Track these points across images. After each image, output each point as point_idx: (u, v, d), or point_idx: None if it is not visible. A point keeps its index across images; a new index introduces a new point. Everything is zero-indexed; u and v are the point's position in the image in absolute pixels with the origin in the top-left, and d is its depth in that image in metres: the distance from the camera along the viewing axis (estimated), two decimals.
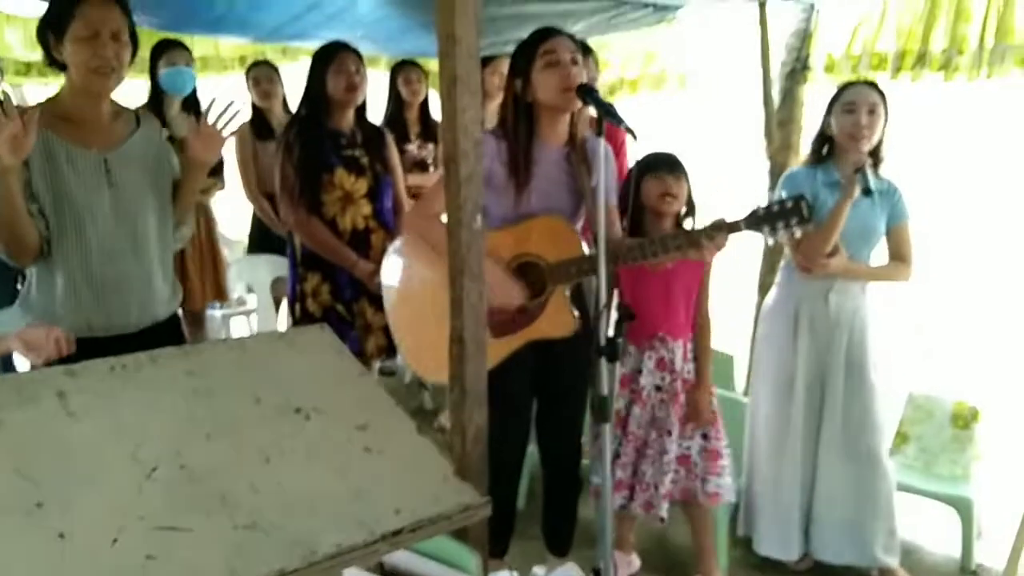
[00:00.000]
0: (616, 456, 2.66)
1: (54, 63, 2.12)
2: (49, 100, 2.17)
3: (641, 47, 4.94)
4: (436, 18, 1.94)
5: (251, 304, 4.86)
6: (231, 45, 5.46)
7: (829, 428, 2.78)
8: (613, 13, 4.11)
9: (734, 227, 2.33)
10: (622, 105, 5.05)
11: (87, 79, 2.08)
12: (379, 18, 4.10)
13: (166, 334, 2.25)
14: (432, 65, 5.16)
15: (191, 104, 3.75)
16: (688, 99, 4.95)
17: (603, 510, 2.34)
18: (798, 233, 2.62)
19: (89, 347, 2.00)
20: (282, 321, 4.57)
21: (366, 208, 3.10)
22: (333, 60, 3.05)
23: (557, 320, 2.43)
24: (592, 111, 2.30)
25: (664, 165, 2.65)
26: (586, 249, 2.38)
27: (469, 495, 1.06)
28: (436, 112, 4.51)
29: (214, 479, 1.01)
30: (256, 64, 4.43)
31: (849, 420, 2.76)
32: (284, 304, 4.45)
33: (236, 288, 5.09)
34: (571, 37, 2.46)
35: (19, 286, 3.97)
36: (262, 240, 4.30)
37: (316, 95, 3.07)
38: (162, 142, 2.32)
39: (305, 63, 5.35)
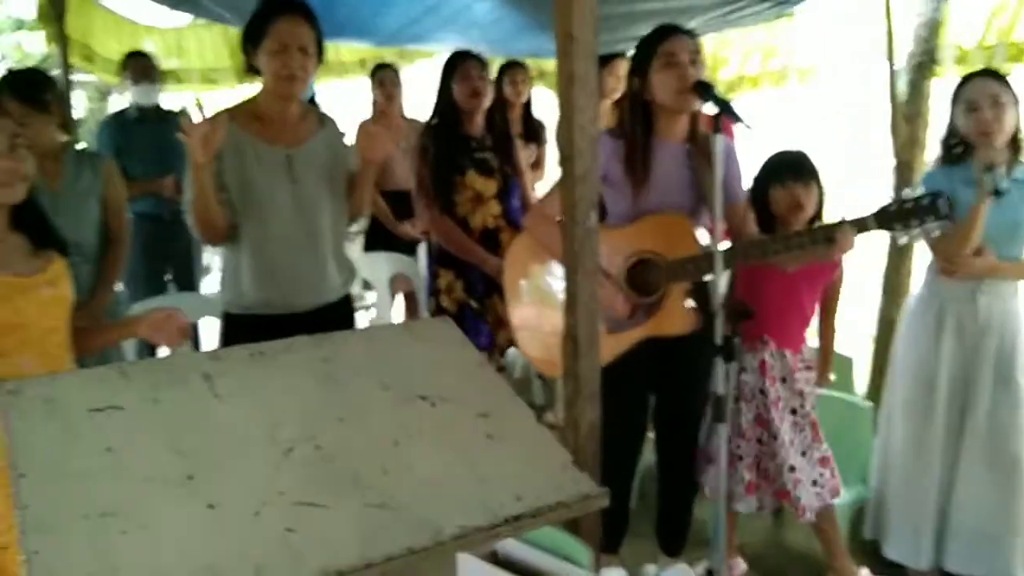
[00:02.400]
0: (739, 458, 2.61)
1: (251, 70, 2.38)
2: (245, 101, 2.44)
3: (761, 43, 4.84)
4: (553, 18, 1.98)
5: (370, 299, 5.02)
6: (352, 49, 5.66)
7: (972, 434, 2.62)
8: (730, 8, 4.05)
9: (862, 225, 2.26)
10: (742, 102, 4.97)
11: (276, 85, 2.33)
12: (494, 19, 4.17)
13: (337, 315, 2.50)
14: (546, 65, 5.21)
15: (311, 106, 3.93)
16: (810, 95, 4.82)
17: (717, 511, 2.32)
18: (936, 232, 2.51)
19: (268, 323, 2.29)
20: (398, 316, 4.72)
21: (495, 208, 3.24)
22: (457, 69, 3.22)
23: (674, 318, 2.43)
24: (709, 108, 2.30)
25: (791, 171, 2.55)
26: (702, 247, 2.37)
27: (588, 485, 1.09)
28: (538, 113, 4.56)
29: (346, 460, 1.07)
30: (381, 67, 4.59)
31: (995, 427, 2.61)
32: (399, 298, 4.60)
33: (355, 284, 5.26)
34: (691, 35, 2.44)
35: (167, 277, 4.29)
36: (378, 237, 4.44)
37: (445, 103, 3.24)
38: (341, 143, 2.54)
39: (421, 66, 5.51)
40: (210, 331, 4.08)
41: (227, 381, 1.15)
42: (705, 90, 2.30)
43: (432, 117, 3.33)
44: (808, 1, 3.92)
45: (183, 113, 2.13)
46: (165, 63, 5.16)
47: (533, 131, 4.43)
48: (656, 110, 2.44)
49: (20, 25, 8.47)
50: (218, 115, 2.21)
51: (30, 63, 8.63)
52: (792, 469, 2.54)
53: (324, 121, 2.52)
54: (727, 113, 2.23)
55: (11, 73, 3.09)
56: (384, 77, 4.48)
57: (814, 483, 2.56)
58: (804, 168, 2.56)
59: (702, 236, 2.43)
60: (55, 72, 4.14)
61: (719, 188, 2.22)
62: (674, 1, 3.90)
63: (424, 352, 1.29)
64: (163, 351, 2.51)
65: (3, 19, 8.66)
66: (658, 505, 2.80)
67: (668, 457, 2.71)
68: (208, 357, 1.20)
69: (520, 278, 2.76)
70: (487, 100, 3.23)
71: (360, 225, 2.66)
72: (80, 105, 8.25)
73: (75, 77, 5.02)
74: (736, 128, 3.10)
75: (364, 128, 2.41)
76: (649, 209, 2.44)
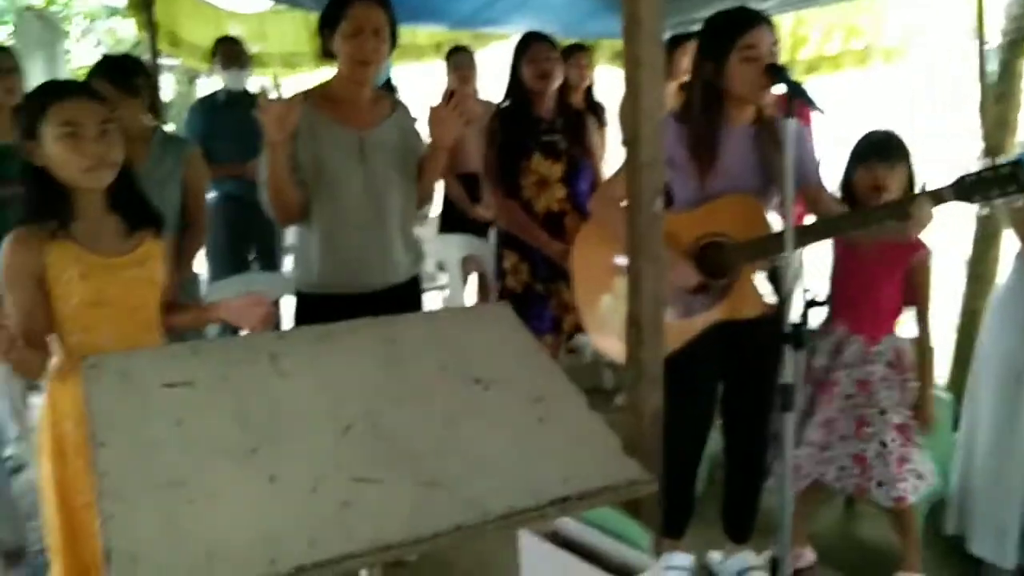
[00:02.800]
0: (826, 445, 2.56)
1: (327, 54, 2.43)
2: (320, 84, 2.49)
3: (842, 21, 4.69)
4: (622, 1, 1.96)
5: (442, 280, 5.10)
6: (427, 32, 5.70)
7: None
8: None
9: (938, 196, 2.17)
10: (822, 83, 4.83)
11: (351, 69, 2.38)
12: (566, 2, 4.17)
13: (404, 295, 2.53)
14: (620, 46, 5.16)
15: (388, 90, 3.98)
16: (895, 75, 4.64)
17: (783, 500, 2.29)
18: (1019, 203, 2.39)
19: (337, 302, 2.35)
20: (470, 297, 4.77)
21: (560, 191, 3.24)
22: (526, 51, 3.21)
23: (745, 300, 2.39)
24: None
25: (876, 152, 2.45)
26: (773, 227, 2.32)
27: (635, 470, 1.10)
28: (601, 95, 4.52)
29: (402, 438, 1.11)
30: (456, 50, 4.61)
31: None
32: (472, 279, 4.65)
33: (428, 265, 5.35)
34: (770, 24, 2.37)
35: (250, 256, 4.41)
36: (452, 219, 4.49)
37: (514, 85, 3.24)
38: (412, 127, 2.58)
39: (496, 48, 5.53)
40: (290, 309, 4.20)
41: (292, 360, 1.21)
42: (777, 73, 2.25)
43: (503, 100, 3.34)
44: None
45: (260, 93, 2.19)
46: (248, 48, 5.32)
47: (595, 114, 4.40)
48: (727, 97, 2.39)
49: (113, 12, 8.82)
50: (294, 96, 2.26)
51: (122, 49, 8.99)
52: (861, 460, 2.49)
53: (396, 105, 2.57)
54: (800, 97, 2.17)
55: (104, 58, 3.22)
56: (459, 60, 4.50)
57: (881, 484, 2.49)
58: (890, 148, 2.45)
59: (773, 218, 2.39)
60: (144, 57, 4.28)
61: (790, 172, 2.18)
62: None
63: (482, 336, 1.32)
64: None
65: (97, 6, 9.03)
66: (724, 492, 2.78)
67: (736, 444, 2.68)
68: (275, 337, 1.26)
69: (588, 262, 2.75)
70: (557, 81, 3.21)
71: (429, 208, 2.69)
72: (168, 89, 8.55)
73: (163, 62, 5.22)
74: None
75: (434, 112, 2.44)
76: (716, 193, 2.40)
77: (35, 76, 5.03)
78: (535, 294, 3.28)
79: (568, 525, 1.84)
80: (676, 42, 4.28)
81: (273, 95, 2.16)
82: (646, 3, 1.93)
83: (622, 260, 2.54)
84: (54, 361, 1.90)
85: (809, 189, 2.42)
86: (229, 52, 4.27)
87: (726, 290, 2.40)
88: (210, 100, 4.38)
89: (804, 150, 2.41)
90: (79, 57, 8.62)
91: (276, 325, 4.10)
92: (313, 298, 2.49)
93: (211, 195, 4.35)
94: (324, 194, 2.39)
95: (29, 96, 1.94)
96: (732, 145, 2.39)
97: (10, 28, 8.45)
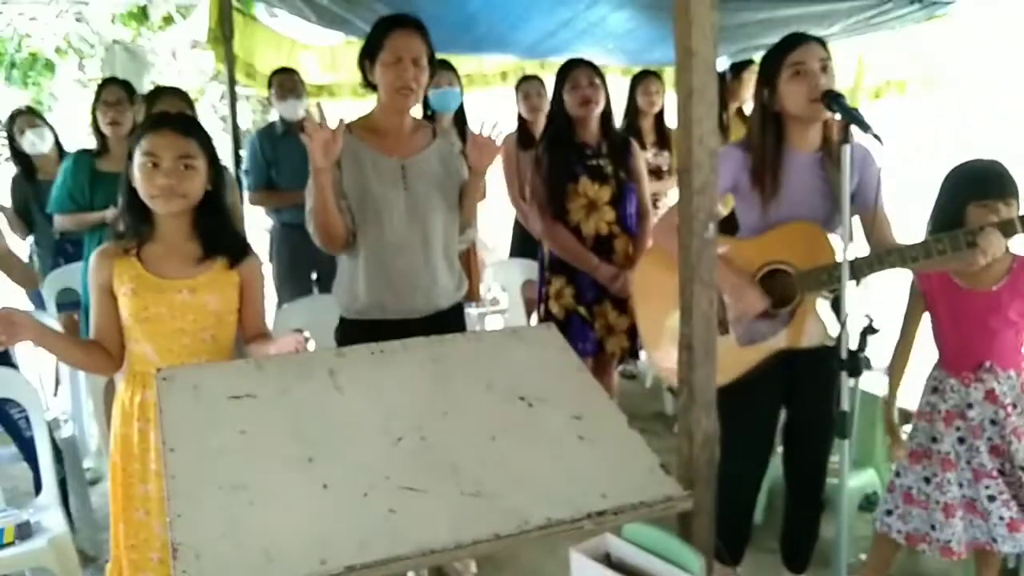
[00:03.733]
0: (991, 498, 2.38)
1: (369, 85, 2.50)
2: (363, 116, 2.55)
3: (908, 46, 4.63)
4: (674, 32, 2.01)
5: (504, 304, 5.16)
6: (494, 62, 5.81)
7: None
8: (875, 12, 3.91)
9: (1009, 227, 2.14)
10: (888, 108, 4.77)
11: (391, 98, 2.43)
12: (629, 30, 4.21)
13: (449, 321, 2.54)
14: None
15: (459, 119, 4.08)
16: (964, 100, 4.55)
17: (839, 531, 2.27)
18: None
19: (383, 327, 2.38)
20: (531, 320, 4.82)
21: (609, 214, 3.23)
22: (567, 78, 3.21)
23: (806, 329, 2.37)
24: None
25: (994, 187, 2.31)
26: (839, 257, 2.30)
27: (672, 488, 1.13)
28: (671, 121, 4.54)
29: (447, 451, 1.17)
30: (527, 78, 4.66)
31: None
32: (533, 304, 4.70)
33: (492, 289, 5.43)
34: (821, 42, 2.39)
35: (313, 278, 4.53)
36: (522, 244, 4.54)
37: (557, 111, 3.26)
38: (454, 154, 2.62)
39: None
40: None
41: (349, 376, 1.28)
42: (833, 100, 2.26)
43: (547, 124, 3.37)
44: (960, 1, 3.73)
45: (307, 118, 2.27)
46: (320, 78, 5.50)
47: (666, 139, 4.42)
48: (786, 120, 2.38)
49: (195, 45, 9.21)
50: (339, 123, 2.30)
51: (203, 80, 9.39)
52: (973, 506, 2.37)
53: (437, 132, 2.61)
54: (856, 123, 2.18)
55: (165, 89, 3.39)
56: (529, 89, 4.55)
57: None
58: (1004, 182, 2.31)
59: (839, 245, 2.37)
60: (223, 87, 4.48)
61: (847, 198, 2.18)
62: (813, 6, 3.82)
63: (527, 356, 1.37)
64: None
65: (180, 40, 9.45)
66: (783, 520, 2.75)
67: (796, 473, 2.65)
68: (333, 354, 1.33)
69: (649, 288, 2.76)
70: (599, 107, 3.20)
71: (472, 233, 2.72)
72: (245, 118, 8.88)
73: (241, 91, 5.44)
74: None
75: (474, 138, 2.47)
76: (780, 220, 2.39)
77: None
78: (579, 318, 3.28)
79: (620, 547, 1.86)
80: (737, 69, 4.31)
81: (317, 120, 2.21)
82: (699, 35, 1.96)
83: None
84: (125, 365, 2.05)
85: (867, 216, 2.39)
86: (284, 83, 4.36)
87: (789, 318, 2.39)
88: (269, 129, 4.50)
89: (868, 175, 2.39)
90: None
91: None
92: (358, 324, 2.52)
93: (271, 223, 4.53)
94: (369, 221, 2.43)
95: (141, 124, 2.10)
96: (796, 171, 2.38)
97: (99, 61, 8.93)
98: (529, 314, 4.54)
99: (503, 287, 5.02)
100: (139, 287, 1.97)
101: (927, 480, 2.42)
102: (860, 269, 2.27)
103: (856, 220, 2.36)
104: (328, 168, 2.27)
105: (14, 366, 2.92)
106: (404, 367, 1.32)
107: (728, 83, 4.16)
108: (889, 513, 2.51)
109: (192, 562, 0.97)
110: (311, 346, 2.17)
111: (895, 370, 2.59)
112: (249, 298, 2.14)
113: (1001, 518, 2.35)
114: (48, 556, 2.41)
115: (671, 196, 4.06)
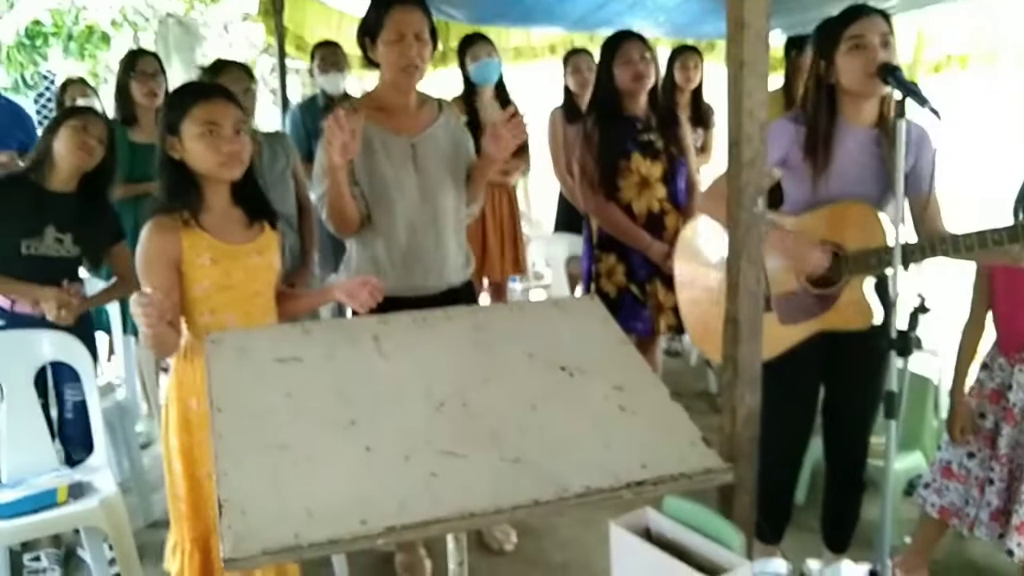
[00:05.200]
0: (989, 482, 2.42)
1: (371, 63, 2.48)
2: (366, 95, 2.56)
3: (970, 20, 4.48)
4: (726, 4, 1.97)
5: (548, 279, 5.16)
6: (542, 35, 5.78)
7: None
8: None
9: None
10: (949, 84, 4.64)
11: (396, 76, 2.41)
12: (680, 3, 4.15)
13: (461, 298, 2.55)
14: None
15: (500, 90, 4.06)
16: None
17: (883, 512, 2.24)
18: None
19: (396, 306, 2.39)
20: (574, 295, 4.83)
21: (661, 191, 3.20)
22: (618, 51, 3.15)
23: (852, 312, 2.33)
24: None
25: None
26: (890, 239, 2.25)
27: (713, 460, 1.13)
28: (708, 97, 4.47)
29: (488, 418, 1.18)
30: (576, 51, 4.63)
31: None
32: (578, 280, 4.70)
33: (536, 263, 5.43)
34: (884, 15, 2.32)
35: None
36: (567, 218, 4.53)
37: (606, 85, 3.20)
38: (460, 128, 2.61)
39: None
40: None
41: (392, 342, 1.30)
42: (889, 73, 2.20)
43: (593, 98, 3.31)
44: None
45: (333, 110, 2.25)
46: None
47: (702, 115, 4.37)
48: (842, 94, 2.33)
49: (246, 17, 9.31)
50: (359, 115, 2.28)
51: (253, 52, 9.48)
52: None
53: (442, 107, 2.59)
54: (913, 97, 2.12)
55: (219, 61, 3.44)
56: (579, 62, 4.52)
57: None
58: None
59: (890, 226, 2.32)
60: (273, 60, 4.52)
61: (901, 175, 2.13)
62: None
63: (569, 326, 1.37)
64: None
65: (232, 13, 9.55)
66: (824, 499, 2.73)
67: (836, 452, 2.63)
68: (377, 321, 1.35)
69: (690, 264, 2.74)
70: (650, 81, 3.15)
71: (476, 208, 2.70)
72: (295, 90, 8.95)
73: (290, 64, 5.49)
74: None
75: (493, 127, 2.43)
76: (830, 196, 2.35)
77: (174, 78, 5.39)
78: (631, 297, 3.26)
79: (660, 522, 1.87)
80: (793, 43, 4.22)
81: (338, 120, 2.19)
82: (752, 6, 1.93)
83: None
84: (182, 341, 2.07)
85: (919, 199, 2.33)
86: (327, 56, 4.39)
87: (833, 300, 2.36)
88: (311, 102, 4.54)
89: (924, 156, 2.33)
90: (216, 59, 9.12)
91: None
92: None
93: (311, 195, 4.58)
94: (382, 202, 2.44)
95: (173, 95, 2.12)
96: (849, 146, 2.33)
97: (152, 34, 9.06)
98: (573, 289, 4.54)
99: (547, 262, 5.02)
100: (217, 255, 2.01)
101: (971, 455, 2.39)
102: (911, 255, 2.22)
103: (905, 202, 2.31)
104: (344, 165, 2.27)
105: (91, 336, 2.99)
106: (446, 335, 1.34)
107: (794, 59, 4.07)
108: (926, 486, 2.48)
109: (237, 517, 0.99)
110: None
111: (962, 351, 2.53)
112: (279, 256, 2.21)
113: (989, 503, 2.35)
114: (99, 515, 2.50)
115: (704, 173, 3.99)
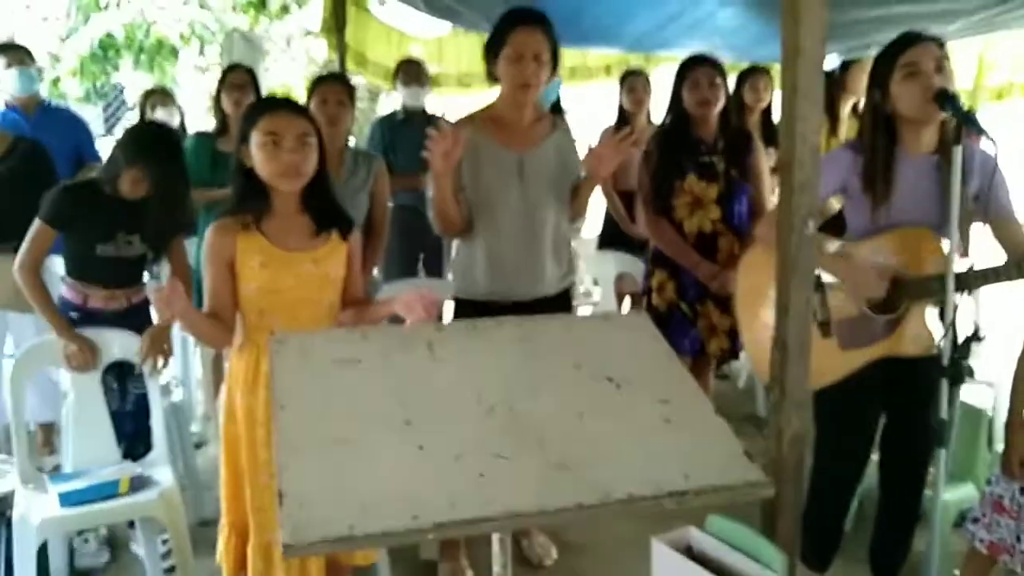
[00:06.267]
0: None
1: (492, 77, 2.60)
2: (485, 107, 2.67)
3: None
4: (781, 29, 2.00)
5: (596, 296, 5.18)
6: (598, 55, 5.83)
7: None
8: (1000, 9, 3.74)
9: None
10: (1013, 111, 4.57)
11: (512, 92, 2.54)
12: (737, 26, 4.16)
13: (555, 307, 2.66)
14: None
15: (556, 110, 4.13)
16: None
17: (931, 544, 2.21)
18: None
19: (492, 309, 2.50)
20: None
21: (715, 212, 3.24)
22: (687, 75, 3.22)
23: (913, 338, 2.32)
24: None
25: None
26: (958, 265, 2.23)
27: (755, 474, 1.16)
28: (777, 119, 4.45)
29: (536, 424, 1.23)
30: (632, 72, 4.69)
31: None
32: (627, 298, 4.71)
33: (584, 281, 5.46)
34: (937, 41, 2.32)
35: (418, 262, 4.71)
36: (612, 236, 4.56)
37: (675, 106, 3.28)
38: (571, 148, 2.70)
39: (666, 69, 5.58)
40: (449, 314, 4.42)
41: (446, 349, 1.36)
42: (945, 100, 2.20)
43: (663, 122, 3.39)
44: None
45: (433, 123, 2.38)
46: (428, 69, 5.65)
47: (771, 136, 4.36)
48: (900, 122, 2.33)
49: (308, 33, 9.55)
50: (459, 127, 2.43)
51: (314, 68, 9.72)
52: None
53: (556, 125, 2.69)
54: (969, 125, 2.12)
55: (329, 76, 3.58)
56: (634, 83, 4.57)
57: None
58: None
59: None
60: None
61: (956, 200, 2.13)
62: (931, 4, 3.68)
63: (617, 340, 1.42)
64: None
65: (295, 29, 9.81)
66: (875, 529, 2.70)
67: (892, 481, 2.59)
68: (433, 328, 1.41)
69: (753, 287, 2.74)
70: (718, 107, 3.21)
71: (582, 223, 2.81)
72: None
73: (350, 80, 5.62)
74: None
75: (595, 148, 2.53)
76: (891, 224, 2.34)
77: None
78: (680, 314, 3.29)
79: (702, 540, 1.88)
80: (847, 65, 4.21)
81: (440, 130, 2.33)
82: (808, 32, 1.95)
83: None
84: (236, 337, 2.17)
85: (999, 222, 2.31)
86: (410, 71, 4.58)
87: (894, 325, 2.34)
88: (391, 116, 4.70)
89: (992, 180, 2.30)
90: (277, 74, 9.39)
91: (439, 319, 4.35)
92: (469, 304, 2.65)
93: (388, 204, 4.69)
94: (485, 211, 2.56)
95: (249, 107, 2.22)
96: (909, 174, 2.32)
97: (218, 47, 9.35)
98: (620, 308, 4.56)
99: (595, 280, 5.04)
100: (268, 260, 2.09)
101: (1023, 490, 2.34)
102: (973, 280, 2.21)
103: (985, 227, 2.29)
104: (447, 172, 2.39)
105: None
106: (498, 344, 1.40)
107: (836, 78, 4.07)
108: (975, 521, 2.44)
109: (296, 510, 1.05)
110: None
111: (1018, 382, 2.48)
112: (353, 266, 2.28)
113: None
114: (158, 507, 2.59)
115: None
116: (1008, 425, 2.43)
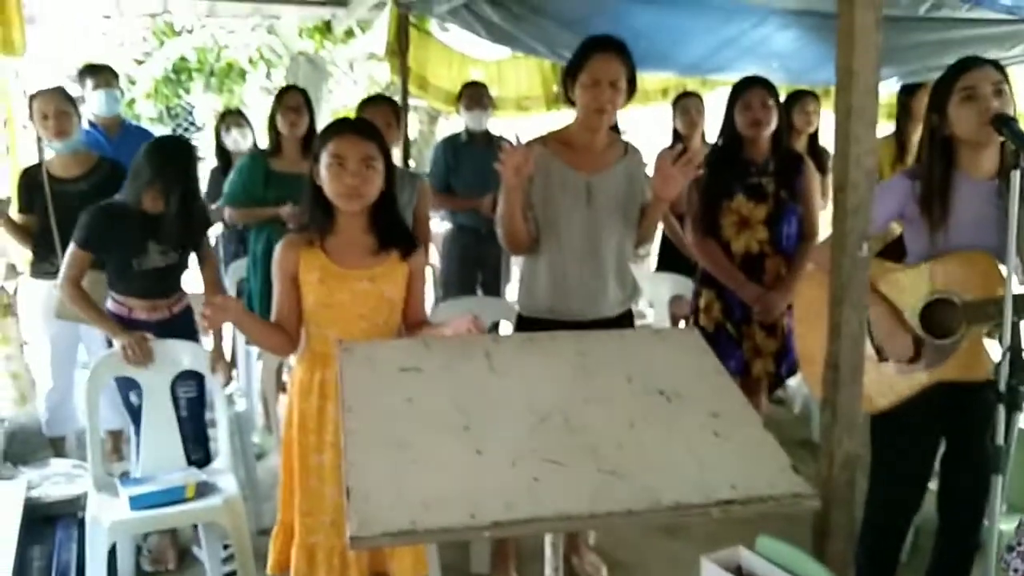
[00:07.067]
0: None
1: (569, 101, 2.67)
2: (559, 129, 2.74)
3: None
4: (836, 52, 2.03)
5: (650, 318, 5.19)
6: (655, 78, 5.88)
7: None
8: None
9: None
10: None
11: (586, 116, 2.60)
12: (794, 50, 4.19)
13: (615, 327, 2.66)
14: None
15: (613, 132, 4.17)
16: None
17: (987, 574, 2.18)
18: None
19: (552, 327, 2.53)
20: None
21: (762, 233, 3.23)
22: (740, 97, 3.24)
23: (969, 363, 2.31)
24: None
25: None
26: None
27: (802, 486, 1.19)
28: (825, 142, 4.45)
29: (588, 433, 1.28)
30: (686, 94, 4.72)
31: None
32: (681, 321, 4.71)
33: (639, 303, 5.47)
34: (996, 65, 2.33)
35: (476, 282, 4.75)
36: (670, 259, 4.58)
37: (728, 127, 3.30)
38: (640, 173, 2.75)
39: (722, 92, 5.60)
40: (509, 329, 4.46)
41: (503, 360, 1.43)
42: (1003, 124, 2.19)
43: (716, 142, 3.42)
44: None
45: (504, 140, 2.47)
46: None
47: (820, 160, 4.34)
48: (958, 145, 2.33)
49: (371, 56, 9.80)
50: (532, 145, 2.51)
51: (376, 90, 9.95)
52: None
53: (628, 150, 2.74)
54: None
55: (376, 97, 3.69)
56: (687, 105, 4.58)
57: None
58: None
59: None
60: (396, 98, 4.79)
61: (1014, 226, 2.12)
62: (992, 27, 3.66)
63: (668, 355, 1.46)
64: None
65: (359, 52, 10.07)
66: (932, 559, 2.66)
67: (950, 509, 2.55)
68: (491, 340, 1.48)
69: (812, 311, 2.74)
70: (770, 128, 3.22)
71: (648, 247, 2.85)
72: (413, 128, 9.34)
73: (410, 102, 5.77)
74: None
75: (662, 166, 2.55)
76: (950, 248, 2.34)
77: None
78: (726, 334, 3.29)
79: (751, 560, 1.90)
80: (906, 89, 4.18)
81: (514, 145, 2.42)
82: (862, 56, 1.98)
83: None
84: (300, 346, 2.27)
85: None
86: (474, 95, 4.66)
87: (951, 350, 2.33)
88: (454, 138, 4.78)
89: None
90: (340, 96, 9.65)
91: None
92: (532, 322, 2.70)
93: (447, 225, 4.79)
94: (551, 230, 2.62)
95: (324, 129, 2.32)
96: (968, 198, 2.31)
97: (283, 70, 9.65)
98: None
99: (650, 302, 5.05)
100: (325, 276, 2.19)
101: None
102: None
103: None
104: (518, 187, 2.46)
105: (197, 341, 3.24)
106: (552, 356, 1.46)
107: (903, 103, 4.04)
108: (1010, 550, 2.39)
109: (362, 504, 1.12)
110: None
111: None
112: (414, 288, 2.35)
113: None
114: (222, 513, 2.69)
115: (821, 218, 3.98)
116: None
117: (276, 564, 2.30)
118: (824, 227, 3.24)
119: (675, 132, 4.54)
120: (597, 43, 2.57)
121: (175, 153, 2.99)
